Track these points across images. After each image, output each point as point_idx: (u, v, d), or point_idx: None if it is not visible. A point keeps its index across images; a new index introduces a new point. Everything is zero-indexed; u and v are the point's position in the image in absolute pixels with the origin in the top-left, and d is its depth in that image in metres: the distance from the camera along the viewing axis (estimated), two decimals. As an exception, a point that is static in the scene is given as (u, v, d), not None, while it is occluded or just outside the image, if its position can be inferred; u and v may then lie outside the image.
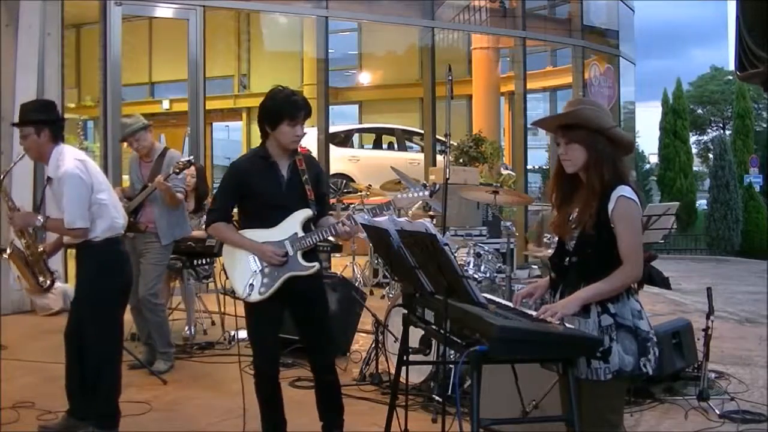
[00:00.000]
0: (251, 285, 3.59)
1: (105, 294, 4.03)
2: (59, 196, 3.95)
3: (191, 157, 5.56)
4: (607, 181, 2.74)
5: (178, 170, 5.34)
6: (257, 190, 3.64)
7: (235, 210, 3.83)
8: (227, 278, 3.70)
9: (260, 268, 3.62)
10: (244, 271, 3.62)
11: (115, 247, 4.11)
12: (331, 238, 3.95)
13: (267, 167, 3.65)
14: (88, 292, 4.05)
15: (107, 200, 4.06)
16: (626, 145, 2.86)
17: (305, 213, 3.66)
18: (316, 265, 3.67)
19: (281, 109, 3.59)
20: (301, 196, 3.66)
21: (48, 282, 4.27)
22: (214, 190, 4.37)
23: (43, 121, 3.99)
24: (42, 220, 4.03)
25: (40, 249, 4.26)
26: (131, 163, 5.73)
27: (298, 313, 3.77)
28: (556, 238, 2.98)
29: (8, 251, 4.30)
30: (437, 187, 4.09)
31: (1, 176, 4.26)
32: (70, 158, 3.96)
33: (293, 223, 3.65)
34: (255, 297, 3.60)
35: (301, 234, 3.64)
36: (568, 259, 2.82)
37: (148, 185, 5.42)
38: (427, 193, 3.86)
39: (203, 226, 6.33)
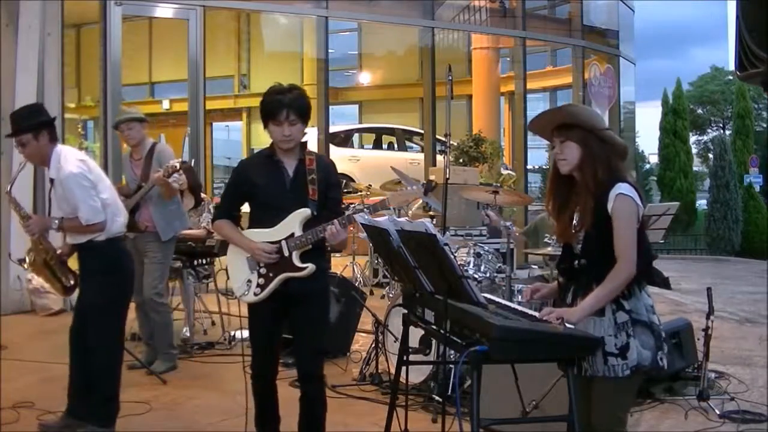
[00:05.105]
0: (247, 285, 3.54)
1: (109, 293, 4.04)
2: (65, 198, 3.95)
3: (179, 161, 5.39)
4: (601, 179, 2.75)
5: (167, 175, 5.27)
6: (259, 190, 3.55)
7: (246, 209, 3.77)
8: (228, 277, 3.71)
9: (257, 269, 3.54)
10: (242, 271, 3.57)
11: (117, 245, 4.12)
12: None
13: (272, 166, 3.55)
14: (92, 291, 4.05)
15: (109, 199, 4.09)
16: (621, 150, 2.85)
17: (304, 213, 3.50)
18: (310, 266, 3.49)
19: (265, 108, 3.48)
20: (304, 196, 3.52)
21: (72, 281, 4.26)
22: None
23: (40, 124, 3.97)
24: (57, 222, 3.99)
25: (58, 251, 4.25)
26: (124, 162, 5.76)
27: (294, 316, 3.63)
28: (554, 240, 2.98)
29: (27, 261, 4.30)
30: (433, 185, 3.97)
31: (9, 187, 4.22)
32: (72, 159, 3.96)
33: (291, 224, 3.51)
34: (250, 298, 3.54)
35: (298, 234, 3.50)
36: (577, 261, 2.81)
37: (143, 185, 5.40)
38: (420, 188, 3.69)
39: (203, 224, 6.39)
